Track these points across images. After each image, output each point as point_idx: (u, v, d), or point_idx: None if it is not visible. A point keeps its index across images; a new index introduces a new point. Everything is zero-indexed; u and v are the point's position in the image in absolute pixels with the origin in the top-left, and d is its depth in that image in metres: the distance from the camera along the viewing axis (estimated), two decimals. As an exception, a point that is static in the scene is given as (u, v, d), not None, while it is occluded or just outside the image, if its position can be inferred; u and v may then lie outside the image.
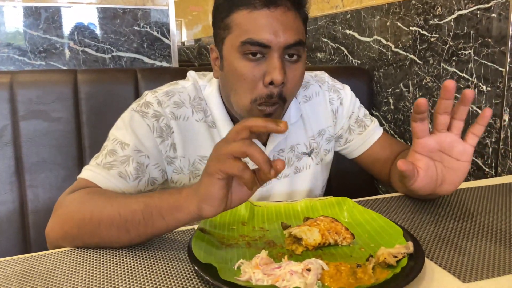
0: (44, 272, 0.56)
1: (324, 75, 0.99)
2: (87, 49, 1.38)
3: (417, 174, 0.66)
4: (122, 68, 1.41)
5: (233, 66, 0.76)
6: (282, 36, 0.73)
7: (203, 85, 0.88)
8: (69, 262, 0.60)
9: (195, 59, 4.01)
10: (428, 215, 0.75)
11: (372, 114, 1.60)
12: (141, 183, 0.78)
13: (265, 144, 0.88)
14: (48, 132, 1.21)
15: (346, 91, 0.98)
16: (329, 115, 0.96)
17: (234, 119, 0.86)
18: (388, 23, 1.48)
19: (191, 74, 0.91)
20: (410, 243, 0.56)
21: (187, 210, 0.57)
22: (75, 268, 0.58)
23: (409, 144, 1.42)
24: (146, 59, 1.44)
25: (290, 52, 0.75)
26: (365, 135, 0.97)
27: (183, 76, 0.93)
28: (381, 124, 1.57)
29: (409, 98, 1.42)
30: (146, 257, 0.60)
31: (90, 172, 0.75)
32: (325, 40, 1.88)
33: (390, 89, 1.51)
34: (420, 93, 1.36)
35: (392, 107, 1.51)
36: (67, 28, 1.39)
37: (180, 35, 4.37)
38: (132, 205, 0.61)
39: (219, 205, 0.54)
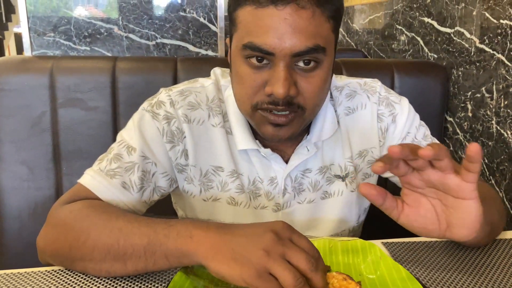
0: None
1: (376, 83, 0.81)
2: (131, 35, 1.32)
3: (401, 208, 0.55)
4: (161, 57, 1.34)
5: (236, 68, 0.66)
6: (288, 41, 0.59)
7: (224, 86, 0.77)
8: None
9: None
10: (481, 275, 0.57)
11: (445, 120, 1.36)
12: (146, 193, 0.71)
13: (287, 161, 0.75)
14: (85, 121, 1.19)
15: (402, 105, 0.79)
16: (375, 133, 0.79)
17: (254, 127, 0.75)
18: (474, 13, 1.22)
19: (215, 71, 0.80)
20: None
21: (194, 259, 0.52)
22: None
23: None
24: (191, 47, 1.35)
25: (305, 59, 0.61)
26: None
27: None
28: (455, 133, 1.33)
29: (491, 106, 1.17)
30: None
31: (91, 179, 0.69)
32: (400, 27, 1.64)
33: (470, 93, 1.26)
34: (506, 102, 1.11)
35: (470, 114, 1.26)
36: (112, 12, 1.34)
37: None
38: (134, 237, 0.56)
39: None
